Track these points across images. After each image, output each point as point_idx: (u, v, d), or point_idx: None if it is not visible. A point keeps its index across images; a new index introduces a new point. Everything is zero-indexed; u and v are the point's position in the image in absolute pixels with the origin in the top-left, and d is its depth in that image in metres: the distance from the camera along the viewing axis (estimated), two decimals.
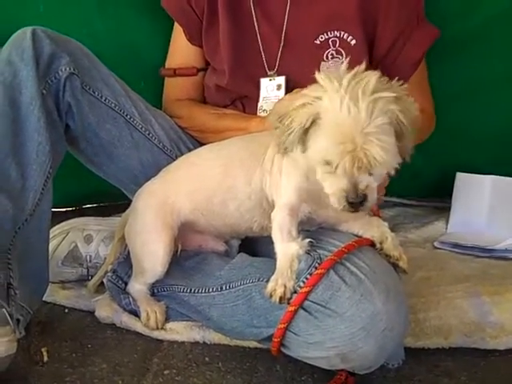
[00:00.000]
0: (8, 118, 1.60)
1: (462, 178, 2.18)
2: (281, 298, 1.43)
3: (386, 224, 1.58)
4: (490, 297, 1.71)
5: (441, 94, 2.03)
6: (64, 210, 2.39)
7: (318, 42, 1.84)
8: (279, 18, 1.87)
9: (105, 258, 1.87)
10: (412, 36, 1.86)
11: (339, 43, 1.83)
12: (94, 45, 1.91)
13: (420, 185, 2.32)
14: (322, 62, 1.84)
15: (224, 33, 1.89)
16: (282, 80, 1.88)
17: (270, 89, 1.89)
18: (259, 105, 1.91)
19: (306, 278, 1.44)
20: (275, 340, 1.48)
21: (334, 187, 1.38)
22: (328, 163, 1.35)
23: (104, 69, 1.81)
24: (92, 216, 2.06)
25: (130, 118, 1.83)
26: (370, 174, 1.36)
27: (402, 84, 1.41)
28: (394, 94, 1.35)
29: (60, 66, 1.67)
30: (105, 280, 1.81)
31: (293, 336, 1.46)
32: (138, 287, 1.74)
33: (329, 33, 1.83)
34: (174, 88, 2.06)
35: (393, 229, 2.09)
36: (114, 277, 1.79)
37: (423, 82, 1.97)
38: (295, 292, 1.44)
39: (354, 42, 1.83)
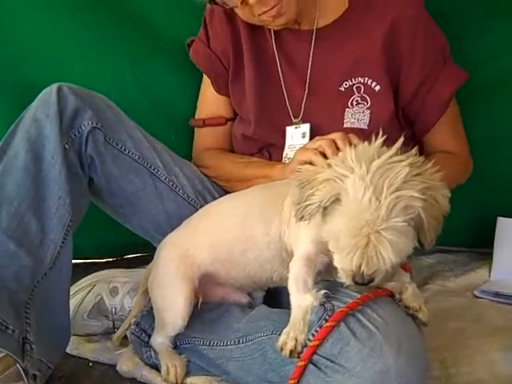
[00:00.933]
0: (30, 174, 1.62)
1: (503, 222, 2.07)
2: (291, 352, 1.38)
3: (407, 274, 1.50)
4: None
5: (476, 137, 1.96)
6: (104, 260, 2.41)
7: (342, 88, 1.81)
8: (303, 66, 1.85)
9: (129, 311, 1.86)
10: (439, 78, 1.80)
11: (364, 89, 1.80)
12: (125, 99, 1.98)
13: (461, 230, 2.20)
14: (347, 109, 1.81)
15: (249, 82, 1.89)
16: (306, 128, 1.84)
17: (296, 137, 1.86)
18: (284, 153, 1.88)
19: (316, 331, 1.38)
20: None
21: (342, 264, 1.34)
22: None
23: (128, 121, 1.82)
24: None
25: (153, 170, 1.83)
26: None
27: (438, 170, 1.36)
28: (420, 195, 1.28)
29: (83, 121, 1.70)
30: (128, 333, 1.79)
31: None
32: (160, 340, 1.71)
33: (353, 79, 1.80)
34: (204, 138, 2.06)
35: (430, 277, 2.05)
36: (137, 329, 1.77)
37: (456, 124, 1.91)
38: (306, 346, 1.38)
39: (378, 87, 1.79)
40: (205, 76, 2.02)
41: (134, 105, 2.08)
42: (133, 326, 1.78)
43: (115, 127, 1.77)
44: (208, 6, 1.87)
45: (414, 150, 1.35)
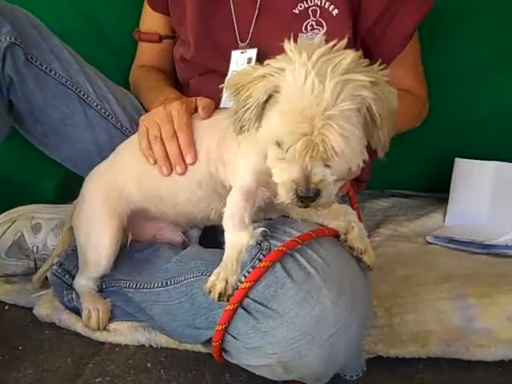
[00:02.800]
0: None
1: (461, 164, 1.93)
2: (220, 295, 1.23)
3: (354, 212, 1.36)
4: (478, 299, 1.48)
5: (436, 74, 1.82)
6: None
7: (296, 11, 1.63)
8: None
9: (53, 250, 1.69)
10: (401, 8, 1.63)
11: (320, 13, 1.62)
12: (62, 21, 1.87)
13: (419, 174, 2.07)
14: (300, 34, 1.62)
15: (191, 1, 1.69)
16: (253, 53, 1.67)
17: (241, 62, 1.69)
18: (227, 79, 1.70)
19: (248, 272, 1.24)
20: (214, 344, 1.29)
21: (282, 176, 1.19)
22: (279, 145, 1.17)
23: (56, 41, 1.66)
24: None
25: (83, 95, 1.67)
26: (328, 166, 1.17)
27: (385, 68, 1.21)
28: (370, 79, 1.16)
29: (0, 36, 1.52)
30: (49, 274, 1.63)
31: (232, 340, 1.26)
32: (83, 282, 1.57)
33: (309, 1, 1.62)
34: (141, 53, 1.92)
35: (383, 221, 1.92)
36: (59, 270, 1.62)
37: (415, 62, 1.76)
38: (237, 288, 1.24)
39: (336, 11, 1.61)
40: None
41: (73, 28, 1.94)
42: (54, 267, 1.63)
43: (39, 46, 1.61)
44: None
45: (358, 51, 1.21)
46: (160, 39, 1.84)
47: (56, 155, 1.75)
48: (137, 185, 1.50)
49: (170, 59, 1.86)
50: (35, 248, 1.73)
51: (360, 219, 1.38)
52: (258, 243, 1.28)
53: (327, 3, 1.61)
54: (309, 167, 1.15)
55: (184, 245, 1.58)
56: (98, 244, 1.50)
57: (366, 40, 1.66)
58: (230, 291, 1.23)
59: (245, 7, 1.68)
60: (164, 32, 1.84)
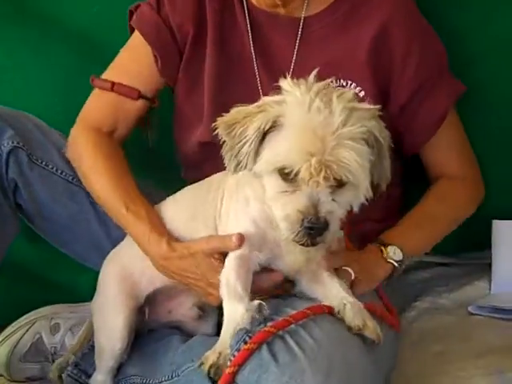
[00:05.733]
0: None
1: (499, 226, 1.77)
2: (211, 367, 1.15)
3: (346, 287, 1.29)
4: None
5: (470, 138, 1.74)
6: None
7: None
8: (284, 61, 1.60)
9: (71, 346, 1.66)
10: (433, 90, 1.59)
11: None
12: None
13: (454, 237, 1.92)
14: None
15: (210, 70, 1.59)
16: None
17: None
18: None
19: (233, 356, 1.15)
20: None
21: (286, 208, 1.14)
22: (286, 172, 1.14)
23: (62, 140, 1.67)
24: None
25: None
26: (333, 201, 1.13)
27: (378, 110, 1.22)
28: (373, 109, 1.20)
29: (2, 141, 1.58)
30: (64, 375, 1.58)
31: None
32: (99, 378, 1.51)
33: (334, 82, 1.57)
34: (101, 108, 1.64)
35: (421, 293, 1.77)
36: (74, 371, 1.58)
37: (459, 144, 1.70)
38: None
39: (362, 93, 1.54)
40: (136, 38, 1.64)
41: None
42: (69, 368, 1.58)
43: (45, 147, 1.64)
44: None
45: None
46: (138, 97, 1.62)
47: (74, 253, 1.75)
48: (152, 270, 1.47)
49: (131, 125, 1.66)
50: (53, 349, 1.70)
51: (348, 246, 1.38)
52: (254, 317, 1.19)
53: (353, 84, 1.55)
54: (317, 196, 1.12)
55: (199, 318, 1.52)
56: (112, 327, 1.48)
57: (395, 123, 1.55)
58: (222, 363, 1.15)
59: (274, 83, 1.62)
60: (146, 93, 1.63)
